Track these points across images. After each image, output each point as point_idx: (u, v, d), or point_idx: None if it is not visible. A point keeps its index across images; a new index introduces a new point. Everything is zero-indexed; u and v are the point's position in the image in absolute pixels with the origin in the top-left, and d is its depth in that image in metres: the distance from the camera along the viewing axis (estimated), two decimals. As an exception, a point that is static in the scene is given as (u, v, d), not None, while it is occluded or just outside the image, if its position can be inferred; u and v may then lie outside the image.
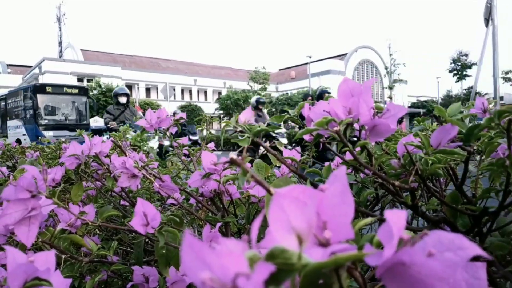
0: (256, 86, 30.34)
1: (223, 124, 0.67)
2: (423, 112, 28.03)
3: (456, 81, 34.68)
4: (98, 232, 0.94)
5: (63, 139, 2.54)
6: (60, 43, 36.81)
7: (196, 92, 38.33)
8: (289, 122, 0.76)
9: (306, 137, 0.61)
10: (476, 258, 0.19)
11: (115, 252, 0.75)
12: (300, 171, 0.71)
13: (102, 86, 24.81)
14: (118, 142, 1.04)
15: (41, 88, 12.37)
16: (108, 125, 5.53)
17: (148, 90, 35.66)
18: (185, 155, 1.11)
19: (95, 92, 23.95)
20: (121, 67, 32.42)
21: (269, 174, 0.81)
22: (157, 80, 34.10)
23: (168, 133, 1.02)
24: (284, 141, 6.00)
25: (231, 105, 28.78)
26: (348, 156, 0.58)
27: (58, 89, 12.74)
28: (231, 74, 42.81)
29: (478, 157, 0.73)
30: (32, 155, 1.94)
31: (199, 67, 42.28)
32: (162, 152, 3.32)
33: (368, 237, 0.26)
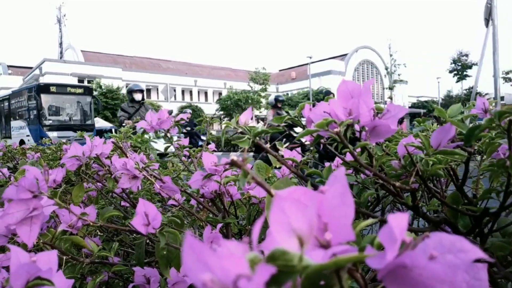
0: (257, 87, 30.35)
1: (223, 125, 0.67)
2: (423, 112, 28.02)
3: (457, 81, 34.68)
4: (99, 233, 0.94)
5: (63, 140, 2.54)
6: (61, 44, 36.84)
7: (197, 93, 38.35)
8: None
9: (307, 138, 0.61)
10: (477, 259, 0.19)
11: (116, 253, 0.75)
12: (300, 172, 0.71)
13: (103, 87, 24.84)
14: (118, 143, 1.04)
15: (45, 88, 12.24)
16: (124, 124, 5.01)
17: (148, 91, 35.64)
18: (185, 155, 1.11)
19: (95, 93, 23.95)
20: (122, 68, 32.44)
21: (269, 175, 0.81)
22: (157, 81, 34.12)
23: (168, 134, 1.02)
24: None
25: (231, 105, 28.78)
26: (348, 157, 0.58)
27: (62, 88, 12.63)
28: (232, 74, 42.84)
29: (478, 158, 0.73)
30: (33, 156, 1.95)
31: (199, 67, 42.32)
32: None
33: (369, 238, 0.26)
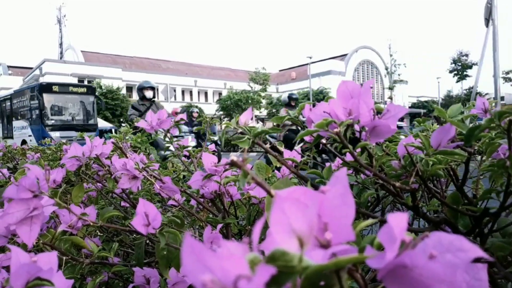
0: (257, 87, 30.35)
1: (223, 125, 0.67)
2: (423, 112, 28.02)
3: (457, 81, 34.67)
4: (99, 233, 0.94)
5: (64, 140, 2.53)
6: (61, 44, 36.84)
7: (197, 93, 38.37)
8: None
9: (307, 138, 0.61)
10: (477, 259, 0.19)
11: (116, 254, 0.75)
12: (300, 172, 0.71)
13: (103, 88, 24.84)
14: (118, 143, 1.04)
15: (47, 87, 12.08)
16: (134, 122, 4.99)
17: (148, 91, 35.61)
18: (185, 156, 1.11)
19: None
20: (122, 68, 32.46)
21: (269, 175, 0.81)
22: (157, 81, 34.10)
23: (169, 134, 1.02)
24: None
25: (231, 106, 28.78)
26: (348, 157, 0.58)
27: (64, 88, 12.45)
28: (231, 75, 42.86)
29: (479, 158, 0.73)
30: (33, 156, 1.95)
31: (199, 68, 42.35)
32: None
33: (369, 238, 0.26)
